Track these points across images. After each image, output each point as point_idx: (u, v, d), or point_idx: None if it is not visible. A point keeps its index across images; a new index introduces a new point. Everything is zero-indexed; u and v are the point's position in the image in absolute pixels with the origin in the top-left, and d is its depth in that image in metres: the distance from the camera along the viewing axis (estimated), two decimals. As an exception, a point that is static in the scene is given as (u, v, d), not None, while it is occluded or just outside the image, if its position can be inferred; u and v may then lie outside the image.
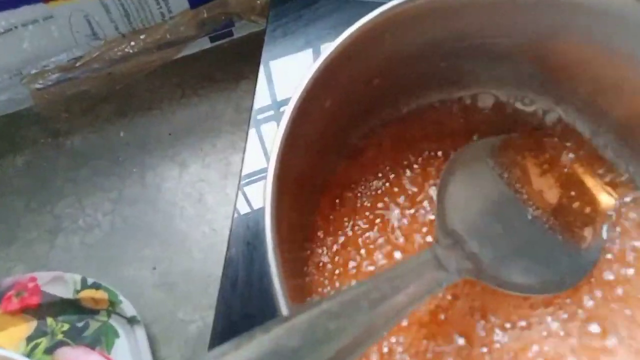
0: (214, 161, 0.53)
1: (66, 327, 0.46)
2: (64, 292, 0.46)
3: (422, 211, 0.32)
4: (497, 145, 0.34)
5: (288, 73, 0.43)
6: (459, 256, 0.27)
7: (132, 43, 0.54)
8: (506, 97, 0.34)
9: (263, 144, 0.40)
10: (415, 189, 0.33)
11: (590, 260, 0.30)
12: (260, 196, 0.38)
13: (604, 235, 0.31)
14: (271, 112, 0.41)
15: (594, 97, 0.32)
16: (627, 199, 0.32)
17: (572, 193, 0.32)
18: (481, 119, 0.34)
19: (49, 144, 0.53)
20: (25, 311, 0.46)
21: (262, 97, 0.42)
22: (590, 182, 0.33)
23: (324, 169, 0.32)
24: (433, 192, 0.33)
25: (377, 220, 0.32)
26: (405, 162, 0.33)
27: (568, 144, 0.33)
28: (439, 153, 0.34)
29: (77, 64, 0.54)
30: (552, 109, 0.34)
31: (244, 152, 0.39)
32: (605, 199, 0.32)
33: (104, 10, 0.50)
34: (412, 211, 0.32)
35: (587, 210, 0.31)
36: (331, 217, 0.32)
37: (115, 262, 0.49)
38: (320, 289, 0.30)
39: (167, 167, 0.52)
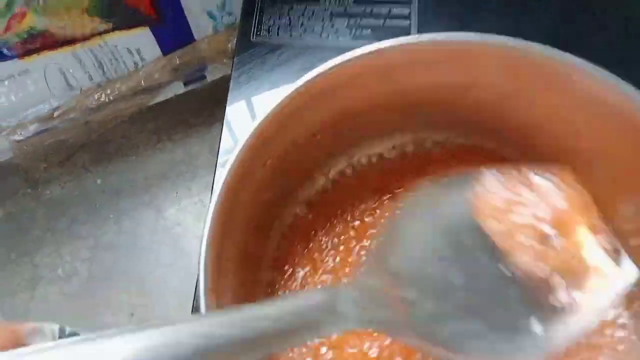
0: (189, 204, 0.54)
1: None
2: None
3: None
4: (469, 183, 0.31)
5: (253, 119, 0.43)
6: (377, 303, 0.23)
7: (108, 91, 0.55)
8: (443, 138, 0.35)
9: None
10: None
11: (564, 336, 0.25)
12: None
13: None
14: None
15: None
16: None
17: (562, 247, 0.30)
18: (426, 160, 0.34)
19: (29, 194, 0.54)
20: (3, 364, 0.46)
21: (227, 140, 0.42)
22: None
23: (278, 216, 0.32)
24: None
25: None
26: (357, 211, 0.33)
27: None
28: (386, 198, 0.34)
29: (55, 114, 0.55)
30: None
31: (211, 194, 0.39)
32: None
33: (77, 62, 0.51)
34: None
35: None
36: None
37: (94, 309, 0.50)
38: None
39: (143, 213, 0.53)
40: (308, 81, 0.27)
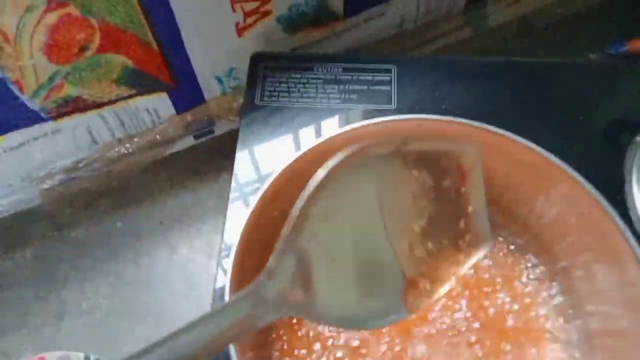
0: (200, 244, 0.60)
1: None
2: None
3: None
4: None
5: (257, 169, 0.51)
6: (292, 284, 0.24)
7: (127, 145, 0.63)
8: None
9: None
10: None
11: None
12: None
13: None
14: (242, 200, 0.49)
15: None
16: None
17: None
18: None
19: (55, 237, 0.61)
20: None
21: (236, 189, 0.50)
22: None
23: None
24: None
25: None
26: None
27: None
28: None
29: (80, 165, 0.62)
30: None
31: (222, 233, 0.46)
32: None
33: (102, 122, 0.59)
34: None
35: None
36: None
37: (115, 340, 0.56)
38: None
39: (159, 251, 0.60)
40: (304, 152, 0.35)
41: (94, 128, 0.59)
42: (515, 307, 0.38)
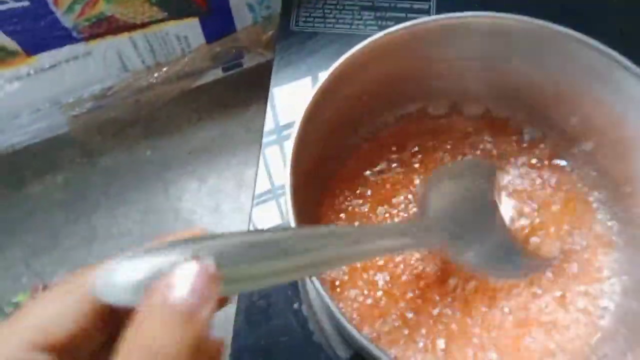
0: (228, 176, 0.60)
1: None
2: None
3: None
4: (488, 165, 0.40)
5: (292, 96, 0.50)
6: (432, 235, 0.34)
7: (156, 74, 0.62)
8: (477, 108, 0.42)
9: (267, 167, 0.47)
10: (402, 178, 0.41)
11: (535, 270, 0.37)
12: (269, 211, 0.45)
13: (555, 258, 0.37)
14: (274, 136, 0.48)
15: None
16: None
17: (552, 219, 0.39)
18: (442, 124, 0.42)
19: (84, 163, 0.61)
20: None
21: (269, 120, 0.49)
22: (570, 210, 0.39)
23: (332, 159, 0.39)
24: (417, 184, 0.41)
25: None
26: (395, 157, 0.41)
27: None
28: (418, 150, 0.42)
29: (109, 93, 0.62)
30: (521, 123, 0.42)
31: (257, 169, 0.46)
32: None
33: (132, 47, 0.58)
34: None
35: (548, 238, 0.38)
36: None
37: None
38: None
39: (187, 181, 0.60)
40: (357, 49, 0.34)
41: (125, 53, 0.58)
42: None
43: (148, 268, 0.22)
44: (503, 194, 0.40)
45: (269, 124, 0.49)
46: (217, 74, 0.65)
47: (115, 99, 0.62)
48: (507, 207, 0.40)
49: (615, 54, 0.33)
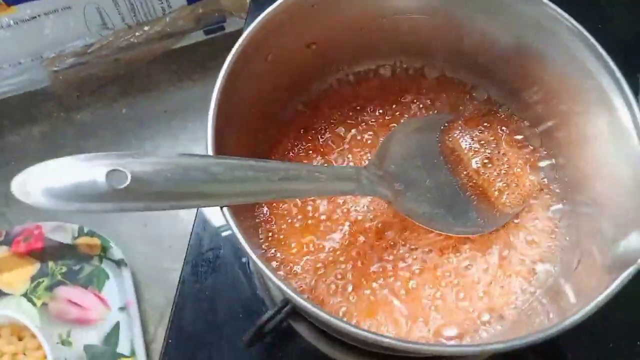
0: (202, 136, 0.60)
1: (64, 269, 0.53)
2: (64, 238, 0.53)
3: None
4: (447, 122, 0.40)
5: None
6: (380, 184, 0.33)
7: (137, 33, 0.62)
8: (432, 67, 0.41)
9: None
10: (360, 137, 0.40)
11: (492, 224, 0.36)
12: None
13: (513, 211, 0.37)
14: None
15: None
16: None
17: (499, 174, 0.39)
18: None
19: (62, 117, 0.61)
20: (31, 254, 0.53)
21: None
22: (518, 167, 0.39)
23: (280, 109, 0.39)
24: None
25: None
26: (355, 112, 0.40)
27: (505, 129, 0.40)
28: (379, 111, 0.41)
29: (89, 50, 0.62)
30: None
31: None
32: (527, 183, 0.38)
33: (113, 4, 0.59)
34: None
35: (506, 189, 0.38)
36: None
37: (112, 218, 0.57)
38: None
39: (162, 139, 0.60)
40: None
41: (105, 9, 0.59)
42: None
43: (67, 175, 0.23)
44: (457, 149, 0.40)
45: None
46: (199, 36, 0.65)
47: (96, 56, 0.62)
48: (462, 162, 0.39)
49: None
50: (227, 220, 0.27)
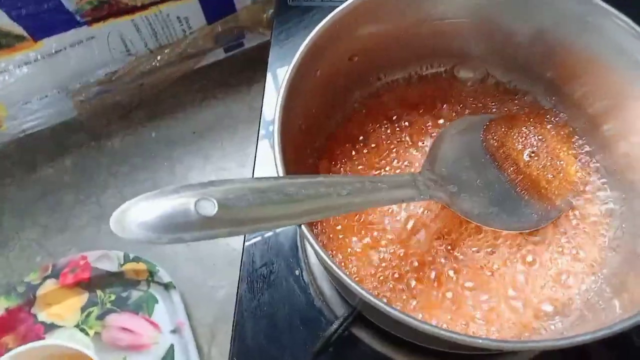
0: (232, 152, 0.61)
1: (113, 297, 0.54)
2: (110, 266, 0.54)
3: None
4: (489, 121, 0.41)
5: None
6: (436, 188, 0.34)
7: (159, 57, 0.63)
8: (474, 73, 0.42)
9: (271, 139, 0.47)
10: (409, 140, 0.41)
11: (547, 219, 0.37)
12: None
13: (565, 205, 0.37)
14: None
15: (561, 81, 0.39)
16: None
17: (547, 167, 0.39)
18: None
19: (92, 146, 0.62)
20: (79, 285, 0.54)
21: (270, 95, 0.50)
22: (565, 159, 0.39)
23: (327, 120, 0.40)
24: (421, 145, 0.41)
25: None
26: (396, 118, 0.41)
27: (548, 125, 0.40)
28: (420, 116, 0.42)
29: (113, 78, 0.63)
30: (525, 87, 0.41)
31: (256, 145, 0.46)
32: (575, 175, 0.39)
33: (135, 30, 0.59)
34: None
35: (556, 183, 0.38)
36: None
37: (153, 241, 0.57)
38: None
39: (192, 160, 0.61)
40: (340, 9, 0.34)
41: (128, 36, 0.59)
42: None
43: (159, 208, 0.24)
44: (502, 146, 0.40)
45: (269, 100, 0.49)
46: (219, 54, 0.65)
47: (120, 83, 0.63)
48: (508, 159, 0.40)
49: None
50: (306, 238, 0.28)
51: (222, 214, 0.25)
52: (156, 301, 0.53)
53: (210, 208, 0.24)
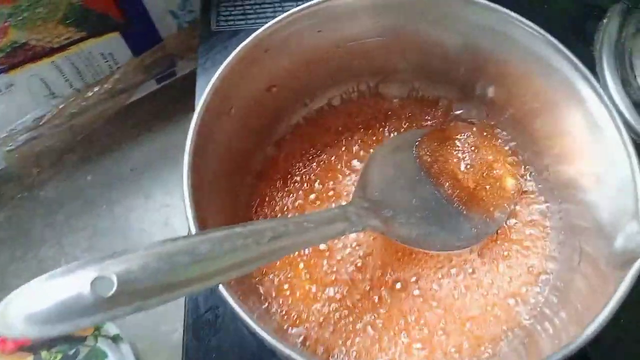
0: (175, 187, 0.59)
1: (59, 356, 0.51)
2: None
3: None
4: (422, 136, 0.40)
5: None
6: (369, 216, 0.33)
7: (87, 96, 0.60)
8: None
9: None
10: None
11: (486, 232, 0.36)
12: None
13: (503, 215, 0.36)
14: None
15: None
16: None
17: (482, 178, 0.38)
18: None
19: (25, 197, 0.59)
20: (21, 349, 0.51)
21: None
22: (499, 169, 0.39)
23: (252, 158, 0.38)
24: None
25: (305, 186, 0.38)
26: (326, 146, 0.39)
27: (481, 135, 0.39)
28: (350, 139, 0.40)
29: (41, 123, 0.60)
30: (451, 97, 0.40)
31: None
32: (510, 184, 0.38)
33: (57, 71, 0.56)
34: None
35: (492, 194, 0.38)
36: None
37: (98, 291, 0.54)
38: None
39: (133, 200, 0.58)
40: (253, 38, 0.33)
41: (49, 79, 0.56)
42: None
43: (48, 296, 0.22)
44: (435, 161, 0.39)
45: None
46: (151, 86, 0.63)
47: (49, 127, 0.60)
48: (443, 173, 0.39)
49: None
50: (225, 299, 0.26)
51: (122, 290, 0.22)
52: (105, 356, 0.50)
53: (108, 286, 0.22)
